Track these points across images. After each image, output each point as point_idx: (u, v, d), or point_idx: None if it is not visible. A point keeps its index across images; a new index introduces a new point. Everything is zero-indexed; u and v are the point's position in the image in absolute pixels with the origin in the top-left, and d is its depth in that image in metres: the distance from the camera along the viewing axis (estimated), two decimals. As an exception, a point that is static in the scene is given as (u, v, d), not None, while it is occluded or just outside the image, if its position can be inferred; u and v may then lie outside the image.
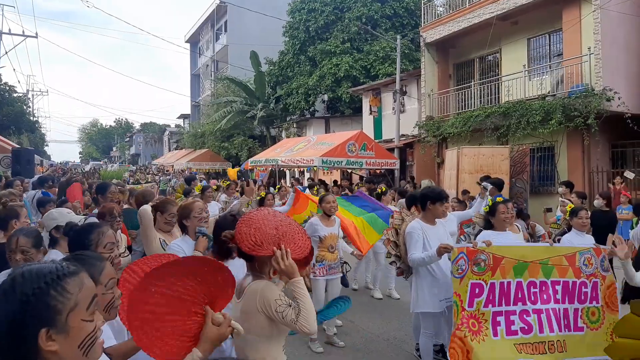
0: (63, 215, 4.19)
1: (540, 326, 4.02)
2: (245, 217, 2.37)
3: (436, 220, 4.46)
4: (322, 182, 15.22)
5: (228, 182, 10.72)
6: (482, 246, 4.02)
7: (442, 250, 4.01)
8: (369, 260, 7.67)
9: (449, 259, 4.07)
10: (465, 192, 10.02)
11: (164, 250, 4.01)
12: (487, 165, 11.47)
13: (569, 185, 8.61)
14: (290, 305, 2.27)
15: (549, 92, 12.18)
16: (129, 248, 5.31)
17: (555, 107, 11.21)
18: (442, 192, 4.58)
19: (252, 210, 2.53)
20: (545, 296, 4.07)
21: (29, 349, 1.15)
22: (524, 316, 3.98)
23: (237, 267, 2.93)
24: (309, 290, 5.31)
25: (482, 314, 3.97)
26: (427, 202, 4.40)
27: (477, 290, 3.96)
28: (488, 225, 4.54)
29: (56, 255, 3.29)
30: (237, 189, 10.20)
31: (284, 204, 7.69)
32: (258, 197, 7.48)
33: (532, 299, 4.05)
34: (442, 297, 4.28)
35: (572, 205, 5.38)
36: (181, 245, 3.66)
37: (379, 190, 7.59)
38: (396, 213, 5.15)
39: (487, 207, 4.55)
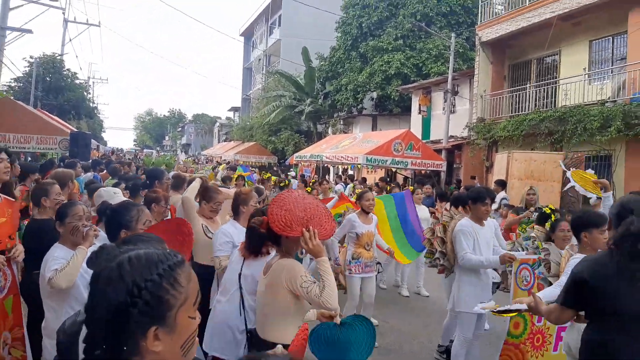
0: (109, 193, 4.38)
1: None
2: (277, 199, 2.47)
3: (484, 222, 4.38)
4: (364, 180, 15.10)
5: (268, 175, 10.98)
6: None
7: (507, 259, 4.02)
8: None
9: (507, 270, 4.05)
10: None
11: (206, 235, 4.13)
12: (539, 171, 11.02)
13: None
14: (314, 282, 2.37)
15: (609, 98, 11.57)
16: None
17: (615, 113, 10.64)
18: (482, 191, 4.45)
19: (283, 191, 2.63)
20: None
21: (130, 345, 1.00)
22: None
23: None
24: (344, 288, 5.27)
25: (547, 328, 3.96)
26: (469, 201, 4.38)
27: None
28: (548, 240, 4.38)
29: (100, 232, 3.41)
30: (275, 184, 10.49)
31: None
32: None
33: None
34: (482, 299, 4.20)
35: None
36: (229, 230, 3.76)
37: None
38: (445, 211, 5.05)
39: (549, 222, 4.42)
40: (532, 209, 4.45)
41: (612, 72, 12.22)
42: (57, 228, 3.02)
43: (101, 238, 3.21)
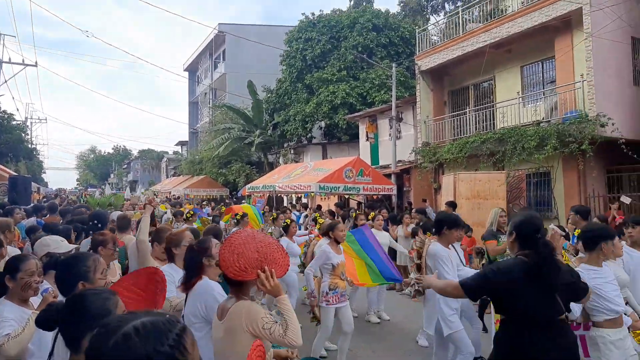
0: (56, 242, 4.14)
1: None
2: (227, 244, 2.41)
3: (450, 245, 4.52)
4: (319, 207, 15.22)
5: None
6: None
7: None
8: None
9: None
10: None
11: None
12: (484, 190, 11.49)
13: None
14: (276, 322, 2.35)
15: (543, 118, 12.31)
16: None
17: (550, 133, 11.32)
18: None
19: (232, 234, 2.57)
20: None
21: None
22: None
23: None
24: (318, 319, 5.25)
25: None
26: (444, 227, 4.43)
27: None
28: None
29: (45, 284, 3.26)
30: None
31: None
32: (283, 224, 7.53)
33: None
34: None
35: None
36: (168, 271, 3.60)
37: (370, 217, 7.71)
38: (417, 236, 5.20)
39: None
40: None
41: (544, 95, 13.04)
42: (7, 282, 2.88)
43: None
